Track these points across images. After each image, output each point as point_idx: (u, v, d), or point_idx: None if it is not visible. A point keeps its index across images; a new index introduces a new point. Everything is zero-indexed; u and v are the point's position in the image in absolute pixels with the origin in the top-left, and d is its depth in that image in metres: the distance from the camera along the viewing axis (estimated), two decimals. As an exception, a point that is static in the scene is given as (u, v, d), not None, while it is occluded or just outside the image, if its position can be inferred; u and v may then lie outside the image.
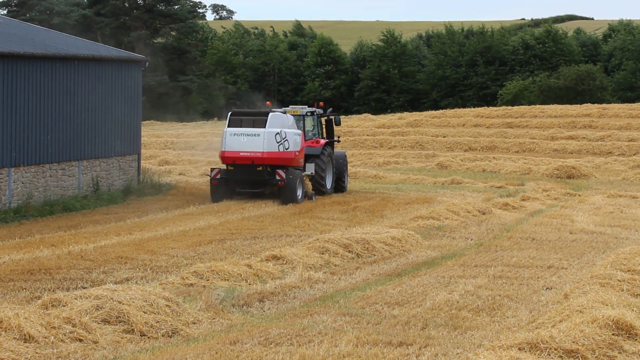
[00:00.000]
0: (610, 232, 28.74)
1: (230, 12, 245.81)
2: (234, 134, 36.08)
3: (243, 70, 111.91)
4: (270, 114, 36.52)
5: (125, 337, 14.85)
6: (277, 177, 35.83)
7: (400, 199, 37.44)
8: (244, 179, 36.49)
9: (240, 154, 35.92)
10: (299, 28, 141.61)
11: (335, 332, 15.32)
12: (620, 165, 53.85)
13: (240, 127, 36.22)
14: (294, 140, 36.73)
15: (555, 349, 13.10)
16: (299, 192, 36.24)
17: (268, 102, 41.55)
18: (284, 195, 35.84)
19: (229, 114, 37.00)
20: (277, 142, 36.00)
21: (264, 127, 35.93)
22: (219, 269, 19.81)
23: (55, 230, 28.86)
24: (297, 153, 36.93)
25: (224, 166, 36.98)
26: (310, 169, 38.24)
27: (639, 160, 54.73)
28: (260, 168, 36.03)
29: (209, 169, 37.38)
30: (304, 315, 16.71)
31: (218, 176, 36.45)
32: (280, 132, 36.10)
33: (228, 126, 36.41)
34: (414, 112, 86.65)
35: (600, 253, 24.20)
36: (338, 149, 48.25)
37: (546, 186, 42.82)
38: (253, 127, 36.08)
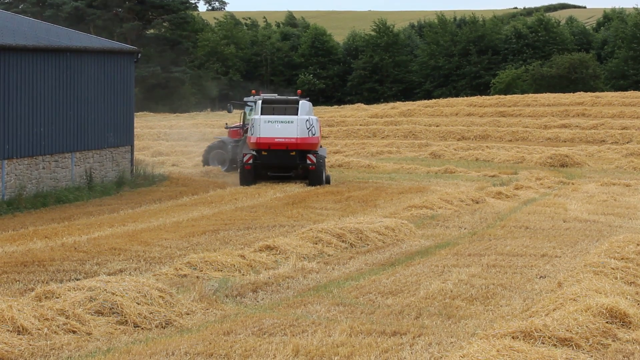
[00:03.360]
0: (604, 220, 28.77)
1: (223, 3, 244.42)
2: (268, 121, 37.97)
3: (235, 60, 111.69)
4: (301, 101, 38.63)
5: (119, 329, 14.82)
6: (308, 161, 38.08)
7: (393, 189, 37.45)
8: (277, 164, 38.47)
9: (275, 139, 37.94)
10: (291, 18, 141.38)
11: (328, 321, 15.31)
12: (614, 154, 53.87)
13: (273, 114, 38.06)
14: (318, 126, 38.77)
15: (549, 338, 13.10)
16: (324, 175, 38.67)
17: (253, 91, 42.36)
18: (312, 178, 38.19)
19: (260, 101, 38.77)
20: (307, 128, 38.03)
21: (297, 114, 38.17)
22: (213, 260, 19.78)
23: (49, 222, 28.81)
24: (319, 138, 39.05)
25: (254, 152, 38.35)
26: (323, 152, 40.05)
27: (632, 148, 54.77)
28: (293, 153, 38.06)
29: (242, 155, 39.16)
30: (298, 305, 16.69)
31: (250, 161, 38.07)
32: (309, 119, 38.19)
33: (261, 113, 38.09)
34: (406, 102, 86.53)
35: (593, 241, 24.21)
36: None
37: (539, 175, 42.87)
38: (285, 114, 38.17)
